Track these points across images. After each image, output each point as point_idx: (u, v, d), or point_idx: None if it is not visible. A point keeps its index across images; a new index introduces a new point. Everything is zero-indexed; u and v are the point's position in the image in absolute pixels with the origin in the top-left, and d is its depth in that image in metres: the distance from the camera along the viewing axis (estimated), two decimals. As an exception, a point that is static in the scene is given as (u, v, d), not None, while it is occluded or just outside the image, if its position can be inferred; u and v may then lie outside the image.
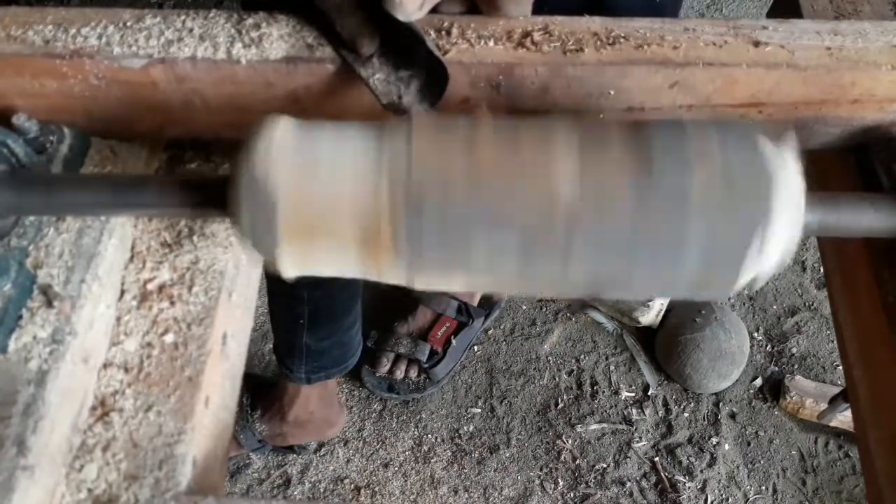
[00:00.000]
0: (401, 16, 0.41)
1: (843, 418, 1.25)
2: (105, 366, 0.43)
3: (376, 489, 1.30)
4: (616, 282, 0.37)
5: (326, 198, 0.35)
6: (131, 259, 0.46)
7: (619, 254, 0.35)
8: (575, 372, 1.42)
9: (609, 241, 0.35)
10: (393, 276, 0.37)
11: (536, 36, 0.44)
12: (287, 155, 0.35)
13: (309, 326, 1.09)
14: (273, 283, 1.08)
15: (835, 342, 1.24)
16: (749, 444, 1.36)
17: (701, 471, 1.33)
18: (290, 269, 0.38)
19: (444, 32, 0.45)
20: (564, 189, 0.34)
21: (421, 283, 0.37)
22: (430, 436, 1.35)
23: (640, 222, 0.35)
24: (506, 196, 0.35)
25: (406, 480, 1.31)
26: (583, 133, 0.36)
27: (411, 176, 0.34)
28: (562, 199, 0.34)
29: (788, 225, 0.35)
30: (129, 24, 0.45)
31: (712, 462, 1.34)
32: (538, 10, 0.46)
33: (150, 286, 0.45)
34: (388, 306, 1.43)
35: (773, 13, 0.61)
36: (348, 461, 1.33)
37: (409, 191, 0.34)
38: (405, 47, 0.43)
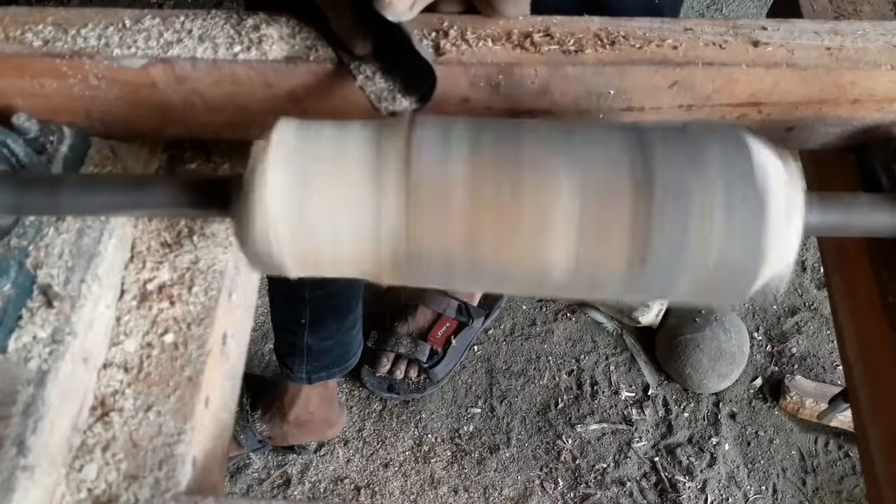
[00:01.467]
0: (390, 16, 0.41)
1: (843, 418, 1.25)
2: (105, 366, 0.43)
3: (376, 489, 1.30)
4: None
5: (326, 234, 0.36)
6: (131, 259, 0.46)
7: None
8: (575, 372, 1.42)
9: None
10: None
11: (536, 36, 0.44)
12: (290, 137, 0.36)
13: (310, 326, 1.09)
14: (274, 283, 1.08)
15: (835, 342, 1.24)
16: (749, 444, 1.36)
17: (701, 471, 1.33)
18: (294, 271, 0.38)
19: (441, 33, 0.45)
20: (557, 273, 0.36)
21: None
22: (430, 436, 1.35)
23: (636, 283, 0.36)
24: (502, 269, 0.36)
25: (406, 480, 1.31)
26: (584, 193, 0.35)
27: (410, 243, 0.35)
28: (554, 279, 0.36)
29: (788, 241, 0.35)
30: (128, 24, 0.45)
31: (712, 462, 1.34)
32: (536, 11, 0.46)
33: (150, 286, 0.45)
34: (388, 306, 1.43)
35: (773, 13, 0.61)
36: (348, 461, 1.33)
37: (409, 256, 0.36)
38: (397, 48, 0.43)
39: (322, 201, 0.35)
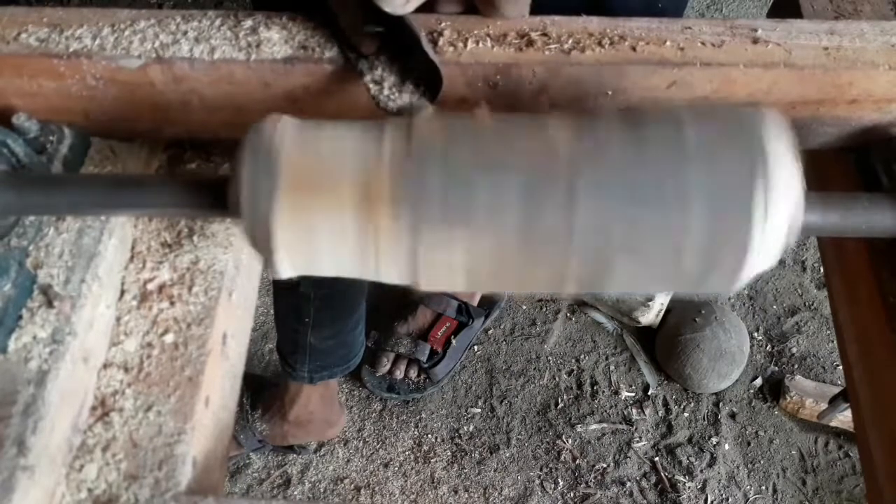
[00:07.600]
0: (387, 7, 0.41)
1: (843, 418, 1.25)
2: (105, 366, 0.43)
3: (376, 489, 1.30)
4: (622, 246, 0.36)
5: (327, 168, 0.36)
6: (131, 259, 0.46)
7: (622, 204, 0.35)
8: (575, 372, 1.42)
9: (611, 188, 0.35)
10: (391, 253, 0.36)
11: (534, 36, 0.44)
12: (289, 134, 0.36)
13: (314, 325, 1.09)
14: (279, 281, 1.07)
15: (835, 342, 1.24)
16: (749, 444, 1.36)
17: (701, 471, 1.33)
18: (287, 266, 0.38)
19: (438, 33, 0.45)
20: (563, 138, 0.36)
21: (422, 276, 0.37)
22: (430, 436, 1.35)
23: (639, 170, 0.35)
24: (506, 147, 0.36)
25: (406, 480, 1.31)
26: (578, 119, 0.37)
27: (412, 136, 0.35)
28: (560, 149, 0.35)
29: (787, 179, 0.35)
30: (125, 24, 0.45)
31: (712, 462, 1.34)
32: (536, 10, 0.46)
33: (150, 286, 0.45)
34: (388, 306, 1.43)
35: (773, 13, 0.61)
36: (348, 461, 1.33)
37: (409, 146, 0.35)
38: (404, 47, 0.43)
39: (325, 204, 0.35)
